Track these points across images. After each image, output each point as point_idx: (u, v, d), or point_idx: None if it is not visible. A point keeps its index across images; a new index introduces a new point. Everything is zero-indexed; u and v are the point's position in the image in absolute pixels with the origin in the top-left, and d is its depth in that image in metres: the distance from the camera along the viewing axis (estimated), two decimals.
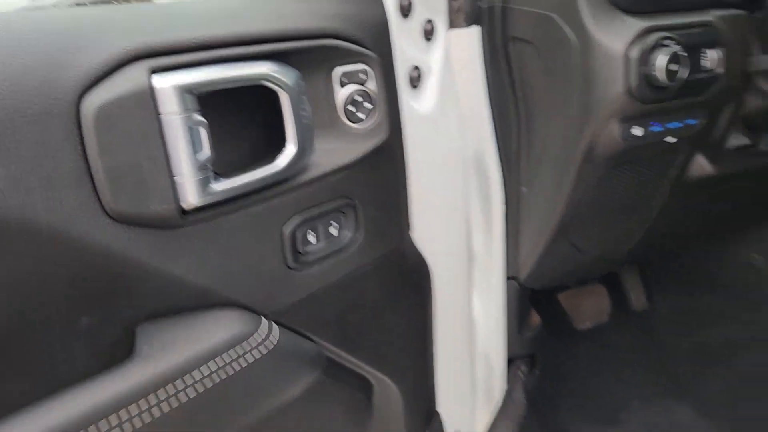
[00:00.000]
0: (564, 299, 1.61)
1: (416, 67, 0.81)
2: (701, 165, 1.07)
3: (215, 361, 0.53)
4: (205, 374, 0.53)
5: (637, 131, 0.92)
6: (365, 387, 0.78)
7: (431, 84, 0.85)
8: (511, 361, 1.22)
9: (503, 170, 1.09)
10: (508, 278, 1.17)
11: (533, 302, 1.48)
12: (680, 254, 1.66)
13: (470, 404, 1.06)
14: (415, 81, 0.82)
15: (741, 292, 1.58)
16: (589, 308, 1.61)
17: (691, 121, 0.96)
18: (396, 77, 0.75)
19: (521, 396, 1.14)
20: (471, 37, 0.99)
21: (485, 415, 1.14)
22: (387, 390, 0.81)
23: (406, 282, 0.81)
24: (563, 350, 1.66)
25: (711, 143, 1.08)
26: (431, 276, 0.87)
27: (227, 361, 0.54)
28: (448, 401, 0.97)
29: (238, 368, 0.54)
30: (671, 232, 1.23)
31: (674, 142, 0.99)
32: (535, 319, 1.26)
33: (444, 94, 0.88)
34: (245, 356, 0.55)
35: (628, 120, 0.91)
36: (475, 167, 1.11)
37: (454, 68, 0.95)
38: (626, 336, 1.70)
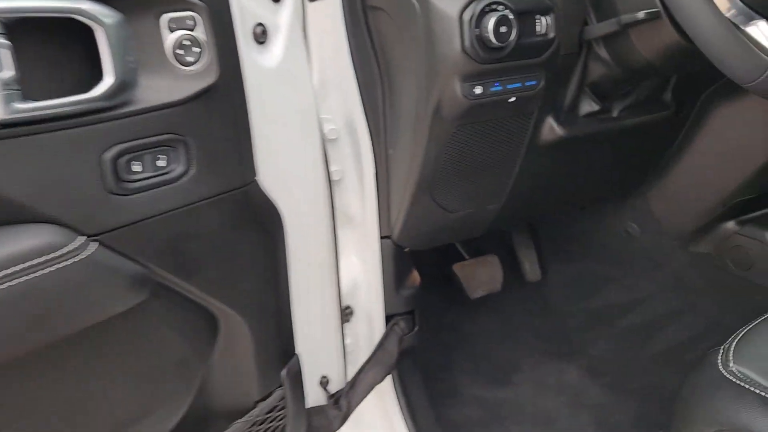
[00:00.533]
0: (459, 269, 1.70)
1: (260, 24, 0.88)
2: (552, 128, 1.17)
3: (20, 268, 0.58)
4: (5, 278, 0.57)
5: (478, 90, 1.01)
6: (207, 318, 0.84)
7: (278, 42, 0.92)
8: (390, 318, 1.30)
9: (372, 133, 1.16)
10: (383, 237, 1.25)
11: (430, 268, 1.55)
12: (569, 225, 1.77)
13: (338, 352, 1.13)
14: (260, 37, 0.89)
15: (623, 259, 1.70)
16: (483, 277, 1.70)
17: (530, 82, 1.05)
18: (235, 29, 0.82)
19: (394, 347, 1.21)
20: (332, 7, 1.06)
21: (357, 364, 1.21)
22: (235, 324, 0.87)
23: (252, 222, 0.87)
24: (458, 317, 1.74)
25: (561, 108, 1.18)
26: (284, 224, 0.94)
27: (30, 267, 0.59)
28: (309, 346, 1.03)
29: (41, 275, 0.60)
30: (537, 195, 1.32)
31: (521, 105, 1.08)
32: (415, 278, 1.34)
33: (293, 53, 0.94)
34: (52, 265, 0.60)
35: (469, 79, 0.99)
36: (348, 132, 1.18)
37: (311, 34, 1.02)
38: (520, 303, 1.80)
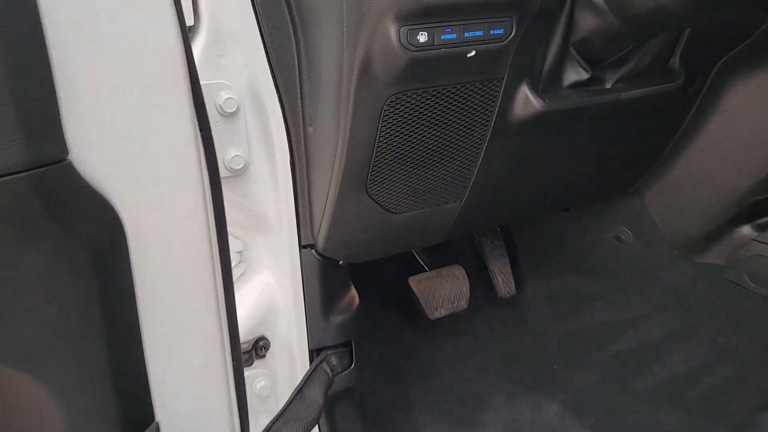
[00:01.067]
0: (416, 284, 1.40)
1: None
2: (528, 100, 0.87)
3: None
4: None
5: (423, 37, 0.71)
6: None
7: None
8: (319, 352, 0.99)
9: (284, 106, 0.86)
10: (303, 247, 0.94)
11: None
12: (549, 231, 1.48)
13: (227, 410, 0.81)
14: None
15: (610, 271, 1.41)
16: (446, 294, 1.40)
17: (496, 31, 0.75)
18: None
19: (318, 393, 0.90)
20: None
21: (263, 422, 0.90)
22: (31, 396, 0.56)
23: (60, 230, 0.56)
24: (414, 343, 1.44)
25: (539, 74, 0.88)
26: (126, 234, 0.62)
27: None
28: (178, 408, 0.72)
29: None
30: (508, 191, 1.03)
31: (485, 63, 0.78)
32: (352, 299, 1.03)
33: None
34: None
35: (408, 20, 0.69)
36: (252, 102, 0.87)
37: None
38: (489, 324, 1.51)
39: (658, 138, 1.16)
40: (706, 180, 1.18)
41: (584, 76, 0.92)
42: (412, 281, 1.39)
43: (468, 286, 1.42)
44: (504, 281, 1.54)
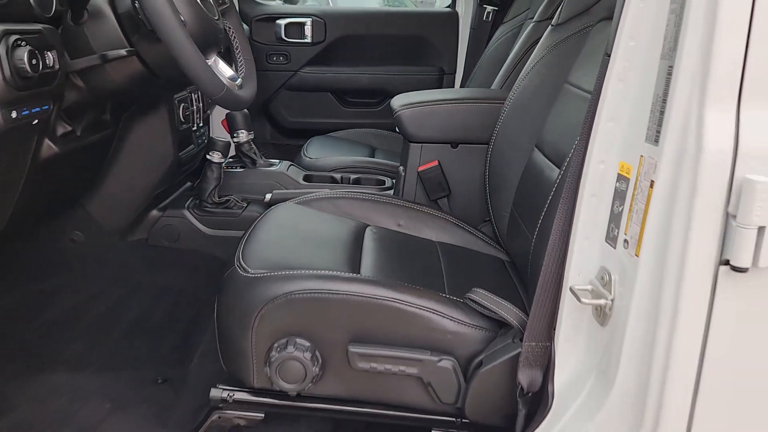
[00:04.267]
0: None
1: None
2: (49, 146, 1.40)
3: None
4: None
5: (15, 114, 1.17)
6: None
7: None
8: None
9: None
10: None
11: None
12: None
13: None
14: None
15: (71, 267, 1.95)
16: None
17: (45, 107, 1.27)
18: None
19: None
20: None
21: None
22: None
23: None
24: None
25: (53, 129, 1.41)
26: None
27: None
28: None
29: None
30: (35, 210, 1.48)
31: (40, 126, 1.28)
32: None
33: None
34: None
35: (8, 105, 1.15)
36: None
37: None
38: None
39: (96, 164, 1.80)
40: (127, 185, 1.90)
41: (67, 128, 1.49)
42: None
43: None
44: None
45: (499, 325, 1.20)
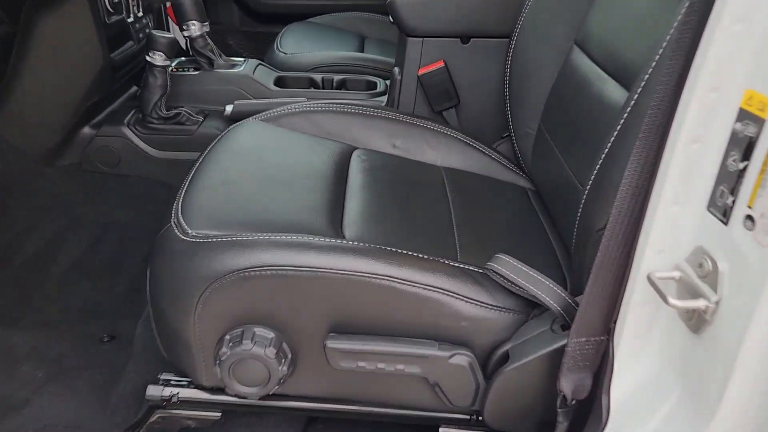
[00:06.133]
0: None
1: None
2: None
3: None
4: None
5: None
6: None
7: None
8: None
9: None
10: None
11: None
12: None
13: None
14: None
15: None
16: None
17: None
18: None
19: None
20: None
21: None
22: None
23: None
24: None
25: None
26: None
27: None
28: None
29: None
30: None
31: None
32: None
33: None
34: None
35: None
36: None
37: None
38: None
39: None
40: (45, 98, 1.53)
41: None
42: None
43: None
44: None
45: (532, 304, 0.92)
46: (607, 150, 0.86)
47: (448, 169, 1.32)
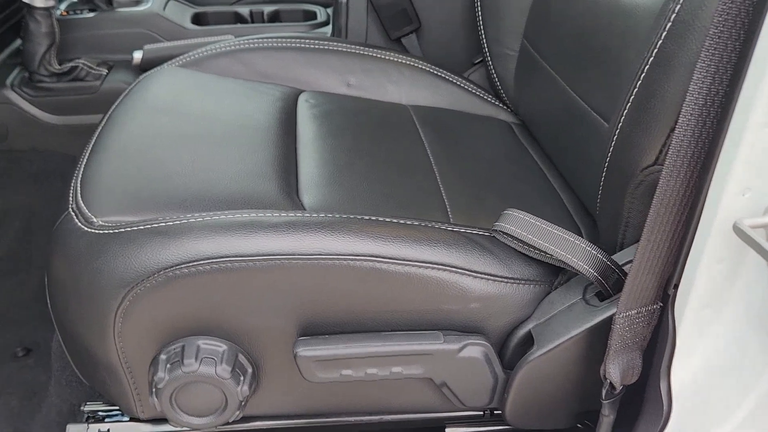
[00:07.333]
0: None
1: None
2: None
3: None
4: None
5: None
6: None
7: None
8: None
9: None
10: None
11: None
12: None
13: None
14: None
15: None
16: None
17: None
18: None
19: None
20: None
21: None
22: None
23: None
24: None
25: None
26: None
27: None
28: None
29: None
30: None
31: None
32: None
33: None
34: None
35: None
36: None
37: None
38: None
39: None
40: None
41: None
42: None
43: None
44: None
45: (554, 270, 0.76)
46: (652, 57, 0.65)
47: (417, 107, 1.14)
